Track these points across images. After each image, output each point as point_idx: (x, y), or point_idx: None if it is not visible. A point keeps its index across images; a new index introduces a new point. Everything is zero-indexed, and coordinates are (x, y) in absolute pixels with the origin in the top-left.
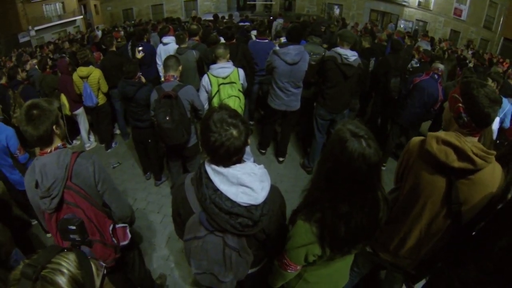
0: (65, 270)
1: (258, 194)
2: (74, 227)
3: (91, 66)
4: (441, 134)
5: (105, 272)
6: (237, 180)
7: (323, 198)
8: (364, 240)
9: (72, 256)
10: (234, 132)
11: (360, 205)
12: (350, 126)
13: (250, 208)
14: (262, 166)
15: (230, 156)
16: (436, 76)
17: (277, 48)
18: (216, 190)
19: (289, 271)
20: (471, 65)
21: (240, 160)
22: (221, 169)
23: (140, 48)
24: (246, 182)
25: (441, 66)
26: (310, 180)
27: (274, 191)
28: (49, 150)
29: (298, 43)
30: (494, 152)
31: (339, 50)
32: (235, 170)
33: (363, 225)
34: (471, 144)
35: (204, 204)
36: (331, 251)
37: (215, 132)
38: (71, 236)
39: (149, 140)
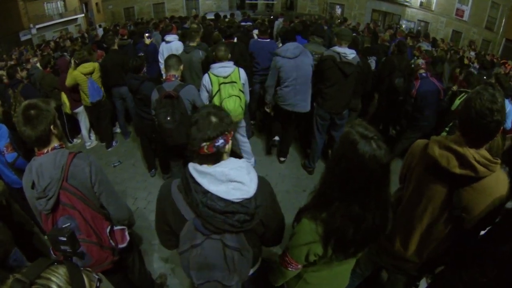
0: (54, 286)
1: (249, 187)
2: (64, 238)
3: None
4: (444, 139)
5: (98, 284)
6: (226, 177)
7: (335, 198)
8: (372, 242)
9: (62, 270)
10: (213, 118)
11: (373, 206)
12: (359, 128)
13: (244, 202)
14: (244, 160)
15: (210, 139)
16: (424, 74)
17: (278, 49)
18: (206, 192)
19: (289, 269)
20: (478, 66)
21: (220, 157)
22: (206, 169)
23: (147, 34)
24: (235, 177)
25: (420, 61)
26: (320, 182)
27: (262, 182)
28: (45, 151)
29: (294, 41)
30: (499, 161)
31: (338, 48)
32: (222, 167)
33: (375, 226)
34: (474, 151)
35: (197, 209)
36: (334, 252)
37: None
38: (62, 247)
39: (154, 135)
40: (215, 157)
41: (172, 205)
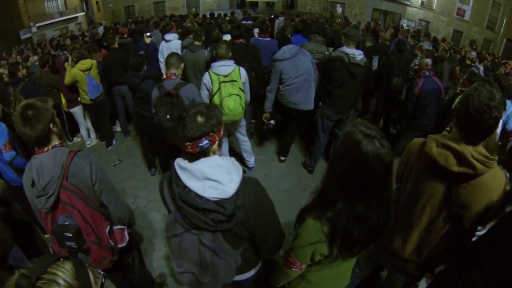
0: (61, 281)
1: (226, 187)
2: (70, 234)
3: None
4: (441, 137)
5: (103, 280)
6: (202, 174)
7: (337, 198)
8: (375, 241)
9: (68, 266)
10: (199, 118)
11: (376, 205)
12: (361, 127)
13: (221, 202)
14: (229, 158)
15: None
16: (427, 73)
17: (275, 55)
18: (184, 187)
19: (293, 269)
20: (480, 66)
21: (206, 155)
22: (186, 164)
23: (148, 34)
24: (210, 175)
25: (428, 61)
26: (322, 180)
27: (247, 183)
28: (46, 149)
29: (289, 43)
30: (496, 158)
31: (346, 49)
32: (198, 165)
33: (379, 224)
34: (471, 148)
35: (175, 202)
36: (339, 252)
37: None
38: (68, 243)
39: (154, 133)
40: (200, 156)
41: (162, 196)
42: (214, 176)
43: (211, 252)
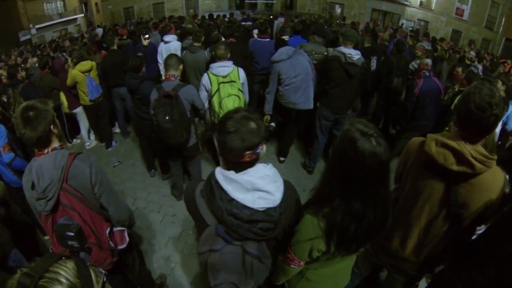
0: (63, 280)
1: (275, 196)
2: (72, 233)
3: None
4: (441, 136)
5: (105, 279)
6: (252, 185)
7: (335, 196)
8: (373, 238)
9: (70, 264)
10: (252, 124)
11: (373, 203)
12: (358, 125)
13: (268, 211)
14: (271, 165)
15: (243, 151)
16: (427, 73)
17: (272, 58)
18: (231, 200)
19: (292, 266)
20: (479, 66)
21: (253, 164)
22: (234, 176)
23: (147, 36)
24: (261, 186)
25: (429, 61)
26: (320, 179)
27: (288, 187)
28: (46, 151)
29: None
30: (495, 157)
31: (343, 49)
32: (248, 176)
33: (376, 222)
34: (470, 147)
35: (221, 217)
36: (337, 249)
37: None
38: (69, 242)
39: (153, 135)
40: (248, 165)
41: (194, 208)
42: (264, 187)
43: (257, 260)
